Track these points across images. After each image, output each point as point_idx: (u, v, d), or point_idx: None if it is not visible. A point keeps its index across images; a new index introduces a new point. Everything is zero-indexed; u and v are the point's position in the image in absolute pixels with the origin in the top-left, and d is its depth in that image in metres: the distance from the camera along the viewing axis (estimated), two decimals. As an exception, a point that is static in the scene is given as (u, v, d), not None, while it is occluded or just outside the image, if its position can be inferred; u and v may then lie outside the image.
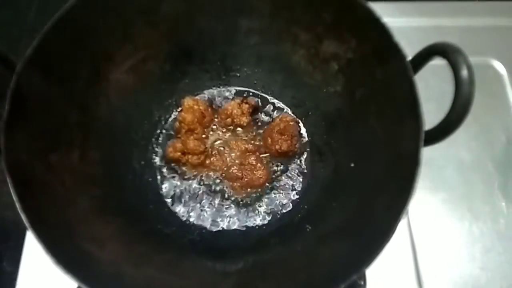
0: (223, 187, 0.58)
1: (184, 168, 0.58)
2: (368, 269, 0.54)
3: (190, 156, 0.57)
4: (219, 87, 0.63)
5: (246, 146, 0.59)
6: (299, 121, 0.61)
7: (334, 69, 0.54)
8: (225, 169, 0.58)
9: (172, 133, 0.60)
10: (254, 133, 0.60)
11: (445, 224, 0.59)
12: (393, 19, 0.71)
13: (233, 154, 0.59)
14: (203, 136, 0.59)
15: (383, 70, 0.47)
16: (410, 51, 0.43)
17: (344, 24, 0.50)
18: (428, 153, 0.50)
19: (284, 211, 0.56)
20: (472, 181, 0.62)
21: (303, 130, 0.61)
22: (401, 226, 0.58)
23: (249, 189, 0.57)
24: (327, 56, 0.54)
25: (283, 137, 0.57)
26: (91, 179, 0.49)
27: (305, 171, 0.58)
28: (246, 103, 0.59)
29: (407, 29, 0.72)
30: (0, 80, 0.42)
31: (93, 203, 0.47)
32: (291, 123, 0.58)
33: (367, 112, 0.50)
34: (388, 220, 0.38)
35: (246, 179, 0.56)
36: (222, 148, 0.60)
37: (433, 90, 0.54)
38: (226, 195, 0.57)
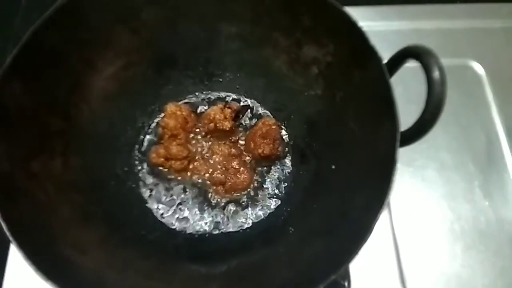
0: (207, 191, 0.58)
1: (167, 174, 0.58)
2: (352, 270, 0.56)
3: (173, 162, 0.57)
4: (202, 92, 0.63)
5: (229, 150, 0.59)
6: (281, 124, 0.61)
7: (314, 73, 0.55)
8: (209, 173, 0.58)
9: (156, 139, 0.61)
10: (237, 138, 0.61)
11: (427, 223, 0.60)
12: (373, 23, 0.74)
13: (216, 159, 0.59)
14: (186, 141, 0.60)
15: (361, 73, 0.48)
16: (390, 54, 0.44)
17: (322, 29, 0.51)
18: (409, 154, 0.51)
19: (267, 213, 0.56)
20: (453, 180, 0.63)
21: (285, 134, 0.61)
22: (384, 227, 0.59)
23: (232, 193, 0.57)
24: (307, 61, 0.55)
25: (265, 141, 0.57)
26: (74, 186, 0.49)
27: (288, 173, 0.59)
28: (229, 107, 0.60)
29: (387, 32, 0.73)
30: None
31: (75, 210, 0.47)
32: (273, 127, 0.59)
33: (346, 114, 0.51)
34: (366, 220, 0.39)
35: (229, 183, 0.57)
36: (205, 153, 0.60)
37: (412, 92, 0.55)
38: (210, 199, 0.57)
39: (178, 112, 0.58)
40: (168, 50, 0.58)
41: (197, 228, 0.55)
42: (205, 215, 0.56)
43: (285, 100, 0.61)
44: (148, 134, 0.61)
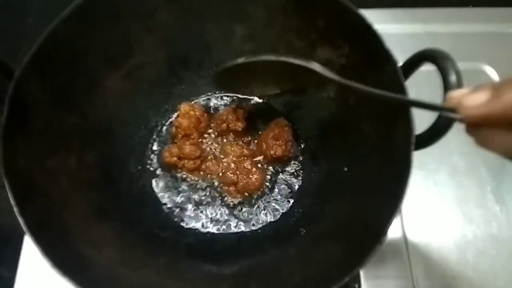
0: (219, 191, 0.58)
1: (180, 173, 0.58)
2: (363, 272, 0.56)
3: (186, 161, 0.57)
4: (215, 92, 0.64)
5: (242, 151, 0.59)
6: (293, 126, 0.61)
7: (328, 74, 0.55)
8: (221, 173, 0.59)
9: (169, 138, 0.61)
10: (250, 138, 0.61)
11: (438, 227, 0.60)
12: (386, 25, 0.73)
13: (228, 159, 0.59)
14: (199, 141, 0.60)
15: (375, 75, 0.47)
16: (403, 57, 0.44)
17: (336, 31, 0.50)
18: (421, 158, 0.50)
19: (278, 215, 0.57)
20: (465, 185, 0.62)
21: (298, 135, 0.61)
22: (395, 230, 0.59)
23: (244, 193, 0.57)
24: (321, 62, 0.54)
25: (277, 142, 0.58)
26: (88, 184, 0.49)
27: (300, 175, 0.59)
28: (241, 108, 0.60)
29: (400, 35, 0.72)
30: (-1, 87, 0.43)
31: (89, 207, 0.47)
32: (286, 128, 0.59)
33: (359, 117, 0.51)
34: (380, 223, 0.39)
35: (241, 183, 0.57)
36: (218, 153, 0.60)
37: (426, 96, 0.54)
38: (222, 200, 0.58)
39: (192, 112, 0.59)
40: (182, 50, 0.59)
41: (209, 227, 0.56)
42: (217, 215, 0.57)
43: (298, 101, 0.61)
44: (161, 133, 0.61)
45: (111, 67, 0.53)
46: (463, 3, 0.77)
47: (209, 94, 0.64)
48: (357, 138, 0.51)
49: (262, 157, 0.60)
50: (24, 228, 0.38)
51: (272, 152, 0.57)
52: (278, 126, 0.59)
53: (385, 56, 0.44)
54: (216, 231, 0.56)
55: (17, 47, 0.72)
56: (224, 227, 0.56)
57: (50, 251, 0.37)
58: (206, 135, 0.61)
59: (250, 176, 0.57)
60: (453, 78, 0.37)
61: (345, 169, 0.53)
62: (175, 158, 0.57)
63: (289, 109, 0.62)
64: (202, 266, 0.50)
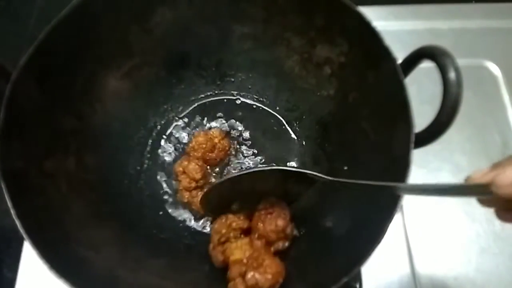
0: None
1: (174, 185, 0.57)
2: (364, 272, 0.55)
3: (184, 176, 0.55)
4: (214, 92, 0.63)
5: (250, 244, 0.49)
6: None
7: (327, 73, 0.55)
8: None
9: (168, 135, 0.61)
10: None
11: (440, 226, 0.59)
12: (387, 22, 0.73)
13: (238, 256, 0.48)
14: (207, 168, 0.58)
15: (375, 73, 0.47)
16: (404, 55, 0.44)
17: (335, 29, 0.50)
18: (422, 156, 0.50)
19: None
20: (467, 183, 0.62)
21: (297, 133, 0.61)
22: (397, 229, 0.58)
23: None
24: (320, 61, 0.55)
25: (273, 215, 0.49)
26: (87, 185, 0.49)
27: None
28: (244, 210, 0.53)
29: (401, 32, 0.72)
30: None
31: (88, 208, 0.47)
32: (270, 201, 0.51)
33: (359, 115, 0.50)
34: (379, 222, 0.38)
35: (249, 276, 0.45)
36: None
37: (426, 93, 0.54)
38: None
39: (216, 140, 0.57)
40: (181, 50, 0.58)
41: (208, 228, 0.55)
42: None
43: (297, 100, 0.61)
44: (161, 134, 0.61)
45: (109, 68, 0.53)
46: (465, -2, 0.77)
47: (208, 94, 0.63)
48: (357, 136, 0.51)
49: (266, 238, 0.49)
50: (21, 230, 0.38)
51: (270, 227, 0.48)
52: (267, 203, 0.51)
53: (385, 53, 0.44)
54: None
55: (18, 50, 0.72)
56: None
57: (48, 253, 0.37)
58: (214, 173, 0.59)
59: (262, 269, 0.45)
60: (452, 75, 0.37)
61: (345, 168, 0.52)
62: (181, 169, 0.55)
63: (289, 108, 0.62)
64: (201, 267, 0.50)
